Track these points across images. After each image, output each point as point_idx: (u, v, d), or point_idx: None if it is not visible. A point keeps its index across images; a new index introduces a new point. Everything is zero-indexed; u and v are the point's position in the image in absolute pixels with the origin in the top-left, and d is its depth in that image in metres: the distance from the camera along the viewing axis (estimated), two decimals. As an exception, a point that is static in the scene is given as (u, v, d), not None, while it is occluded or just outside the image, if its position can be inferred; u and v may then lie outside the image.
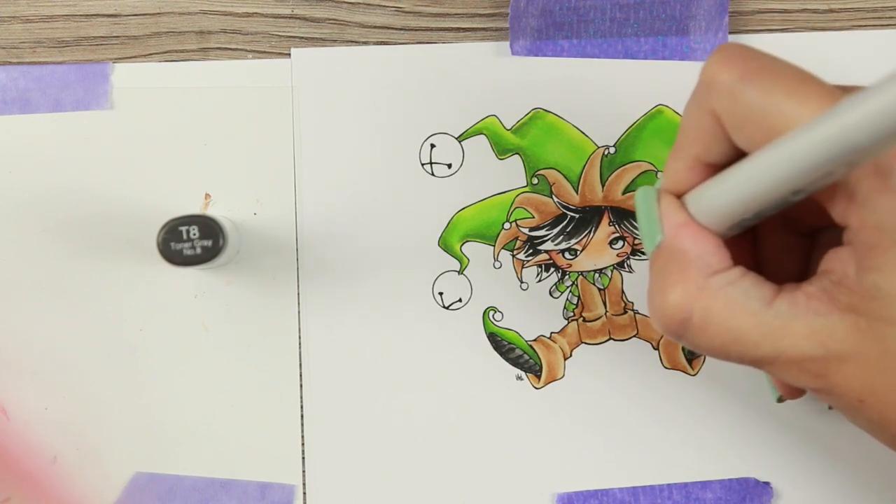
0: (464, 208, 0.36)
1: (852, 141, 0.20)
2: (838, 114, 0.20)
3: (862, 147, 0.20)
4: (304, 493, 0.35)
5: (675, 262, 0.26)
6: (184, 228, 0.32)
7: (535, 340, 0.36)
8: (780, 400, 0.30)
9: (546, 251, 0.36)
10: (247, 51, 0.36)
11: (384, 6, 0.36)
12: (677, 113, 0.36)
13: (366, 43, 0.36)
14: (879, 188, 0.22)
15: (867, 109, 0.20)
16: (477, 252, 0.36)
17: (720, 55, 0.24)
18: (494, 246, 0.36)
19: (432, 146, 0.36)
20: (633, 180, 0.36)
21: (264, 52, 0.36)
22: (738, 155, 0.25)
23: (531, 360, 0.36)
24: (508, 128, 0.36)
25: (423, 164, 0.36)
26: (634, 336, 0.36)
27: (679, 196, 0.27)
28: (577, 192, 0.36)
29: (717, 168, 0.26)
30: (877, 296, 0.23)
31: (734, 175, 0.24)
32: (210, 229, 0.32)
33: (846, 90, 0.24)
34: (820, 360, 0.24)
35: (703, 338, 0.25)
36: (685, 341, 0.26)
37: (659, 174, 0.36)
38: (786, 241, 0.28)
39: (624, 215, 0.36)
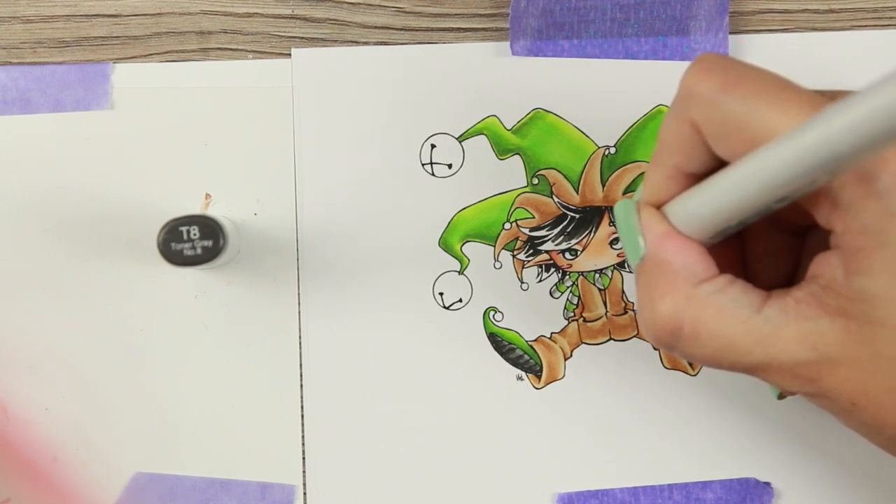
0: (464, 208, 0.36)
1: (835, 149, 0.20)
2: (821, 122, 0.20)
3: (845, 155, 0.20)
4: (305, 494, 0.35)
5: (660, 274, 0.26)
6: (184, 228, 0.32)
7: (535, 340, 0.36)
8: (780, 397, 0.30)
9: (546, 251, 0.36)
10: (247, 51, 0.36)
11: (384, 6, 0.36)
12: (677, 113, 0.36)
13: (366, 43, 0.36)
14: (862, 194, 0.22)
15: (850, 118, 0.19)
16: (477, 252, 0.36)
17: (699, 66, 0.24)
18: (495, 246, 0.36)
19: (433, 146, 0.36)
20: (633, 180, 0.36)
21: (264, 52, 0.36)
22: (718, 164, 0.25)
23: (531, 361, 0.36)
24: (509, 128, 0.36)
25: (423, 165, 0.36)
26: (635, 336, 0.36)
27: (659, 207, 0.27)
28: (577, 192, 0.36)
29: (697, 178, 0.26)
30: (865, 298, 0.23)
31: (717, 184, 0.24)
32: (210, 229, 0.32)
33: (827, 95, 0.24)
34: (812, 364, 0.24)
35: (694, 347, 0.25)
36: (678, 351, 0.26)
37: (659, 174, 0.36)
38: (776, 242, 0.28)
39: (624, 215, 0.36)
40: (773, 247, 0.29)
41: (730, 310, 0.25)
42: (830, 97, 0.23)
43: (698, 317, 0.25)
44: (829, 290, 0.24)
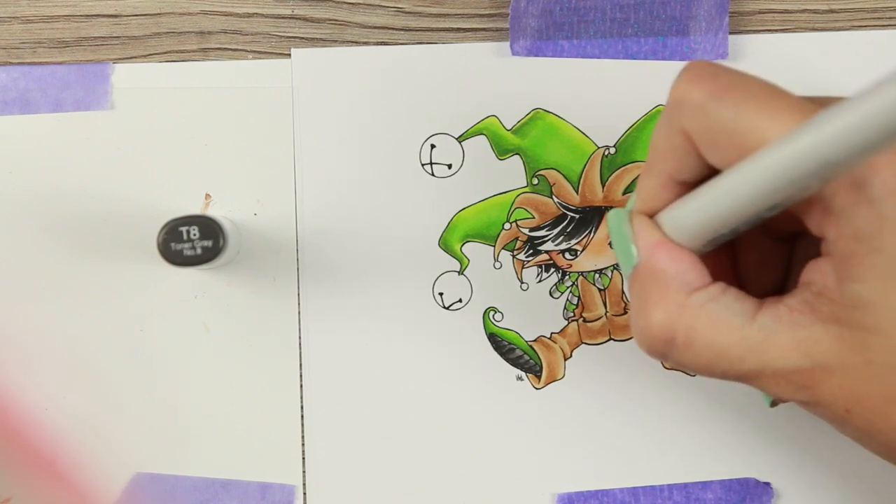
0: (464, 209, 0.36)
1: (827, 156, 0.20)
2: (812, 129, 0.20)
3: (837, 162, 0.20)
4: (305, 494, 0.35)
5: (653, 283, 0.26)
6: (184, 229, 0.32)
7: (535, 341, 0.36)
8: (773, 404, 0.30)
9: (546, 251, 0.36)
10: (247, 51, 0.36)
11: (384, 6, 0.36)
12: (677, 113, 0.36)
13: (366, 43, 0.36)
14: (855, 200, 0.22)
15: (841, 124, 0.19)
16: (477, 252, 0.36)
17: (689, 74, 0.24)
18: (495, 246, 0.36)
19: (432, 146, 0.36)
20: (633, 181, 0.36)
21: (264, 52, 0.36)
22: (710, 172, 0.25)
23: (531, 361, 0.36)
24: (509, 128, 0.36)
25: (423, 165, 0.36)
26: (634, 336, 0.36)
27: (651, 216, 0.27)
28: (577, 192, 0.36)
29: (689, 186, 0.26)
30: (858, 305, 0.23)
31: (709, 193, 0.24)
32: (210, 230, 0.32)
33: (817, 102, 0.24)
34: (806, 371, 0.24)
35: (688, 356, 0.25)
36: (671, 360, 0.26)
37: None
38: (766, 250, 0.28)
39: (624, 215, 0.36)
40: (763, 255, 0.29)
41: (723, 318, 0.25)
42: (820, 104, 0.23)
43: (692, 325, 0.25)
44: (822, 297, 0.24)
